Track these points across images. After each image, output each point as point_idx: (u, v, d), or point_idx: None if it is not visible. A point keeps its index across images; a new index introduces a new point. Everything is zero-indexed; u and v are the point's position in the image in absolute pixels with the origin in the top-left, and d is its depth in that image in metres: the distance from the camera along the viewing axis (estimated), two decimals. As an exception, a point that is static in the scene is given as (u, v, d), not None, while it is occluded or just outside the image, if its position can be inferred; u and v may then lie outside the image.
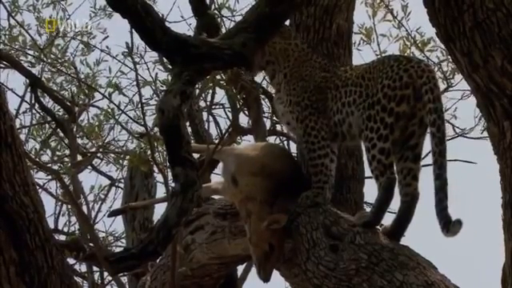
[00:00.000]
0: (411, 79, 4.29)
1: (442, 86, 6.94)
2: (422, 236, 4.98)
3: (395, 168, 4.32)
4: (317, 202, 4.46)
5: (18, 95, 7.44)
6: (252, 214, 4.47)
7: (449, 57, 5.74)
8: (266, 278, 4.42)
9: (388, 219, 4.42)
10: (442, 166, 4.11)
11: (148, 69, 6.94)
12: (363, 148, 4.44)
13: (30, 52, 7.42)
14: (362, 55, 6.79)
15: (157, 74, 6.66)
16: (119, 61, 7.23)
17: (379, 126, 4.30)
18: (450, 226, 4.08)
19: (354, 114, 4.43)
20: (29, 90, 7.33)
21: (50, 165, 7.12)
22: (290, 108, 4.57)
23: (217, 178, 5.18)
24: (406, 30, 6.86)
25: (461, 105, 7.00)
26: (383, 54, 6.87)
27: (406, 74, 4.30)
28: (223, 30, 5.49)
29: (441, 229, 4.10)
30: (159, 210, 6.89)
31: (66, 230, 7.43)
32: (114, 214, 5.77)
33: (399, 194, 4.35)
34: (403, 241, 4.46)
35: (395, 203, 4.56)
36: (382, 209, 4.33)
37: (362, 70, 4.51)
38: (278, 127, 7.04)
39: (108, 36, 7.41)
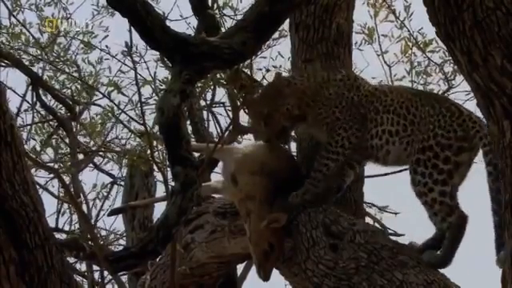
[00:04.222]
0: (465, 133, 4.32)
1: (443, 86, 6.96)
2: (421, 236, 4.98)
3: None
4: (305, 199, 4.46)
5: (18, 95, 7.45)
6: (252, 213, 4.47)
7: (450, 58, 5.74)
8: (265, 277, 4.42)
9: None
10: (500, 203, 4.08)
11: (148, 68, 6.95)
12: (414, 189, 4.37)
13: (32, 50, 7.43)
14: (364, 55, 6.80)
15: (155, 72, 6.67)
16: (119, 60, 7.24)
17: (431, 172, 4.29)
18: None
19: (396, 144, 4.44)
20: (30, 88, 7.33)
21: (51, 163, 7.13)
22: (320, 129, 4.57)
23: (217, 177, 5.19)
24: (408, 31, 6.86)
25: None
26: (385, 55, 6.88)
27: (460, 128, 4.34)
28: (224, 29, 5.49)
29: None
30: (159, 209, 6.90)
31: (67, 228, 7.44)
32: (113, 212, 5.78)
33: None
34: (403, 240, 4.47)
35: (395, 204, 4.55)
36: (454, 248, 4.27)
37: (405, 98, 4.49)
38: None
39: (108, 35, 7.43)
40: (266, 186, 4.52)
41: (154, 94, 6.67)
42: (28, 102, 7.46)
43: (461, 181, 4.35)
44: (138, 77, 6.22)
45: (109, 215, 5.90)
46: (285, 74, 5.18)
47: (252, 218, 4.47)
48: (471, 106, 6.64)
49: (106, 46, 7.35)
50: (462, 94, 6.85)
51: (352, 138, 4.49)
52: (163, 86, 6.10)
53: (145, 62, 6.93)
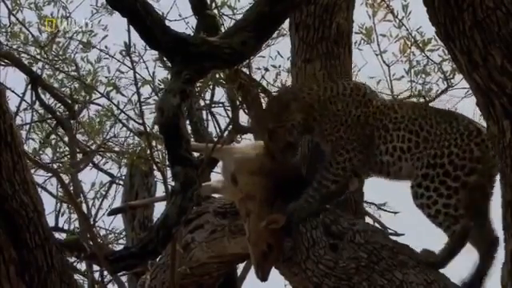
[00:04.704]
0: (482, 153, 4.27)
1: (442, 85, 6.96)
2: (421, 236, 4.99)
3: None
4: (298, 215, 4.44)
5: (17, 94, 7.45)
6: (251, 213, 4.47)
7: (449, 56, 5.74)
8: (263, 277, 4.42)
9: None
10: None
11: (147, 68, 6.95)
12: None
13: (31, 50, 7.43)
14: (363, 55, 6.80)
15: (154, 72, 6.67)
16: (118, 60, 7.24)
17: (438, 187, 4.25)
18: None
19: (408, 161, 4.39)
20: (29, 87, 7.33)
21: (50, 163, 7.13)
22: (324, 143, 4.53)
23: (217, 176, 5.19)
24: (407, 30, 6.86)
25: (461, 105, 7.01)
26: (383, 54, 6.88)
27: (478, 148, 4.29)
28: (223, 29, 5.48)
29: None
30: (159, 209, 6.90)
31: (66, 227, 7.45)
32: (113, 212, 5.78)
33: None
34: (402, 240, 4.47)
35: (395, 203, 4.55)
36: (453, 255, 4.26)
37: (418, 115, 4.43)
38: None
39: (107, 35, 7.43)
40: (266, 186, 4.52)
41: (153, 94, 6.68)
42: (27, 102, 7.47)
43: (467, 202, 4.26)
44: (137, 76, 6.23)
45: (108, 215, 5.91)
46: (291, 83, 5.16)
47: (251, 218, 4.46)
48: (470, 104, 6.68)
49: (106, 47, 7.36)
50: (461, 92, 6.88)
51: (354, 159, 4.44)
52: (162, 86, 6.11)
53: (144, 62, 6.94)
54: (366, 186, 4.86)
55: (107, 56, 7.35)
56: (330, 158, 4.48)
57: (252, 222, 4.45)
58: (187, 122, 6.49)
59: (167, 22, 3.69)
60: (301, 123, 4.52)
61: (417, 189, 4.29)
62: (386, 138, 4.44)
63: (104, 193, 7.66)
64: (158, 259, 4.83)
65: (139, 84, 6.00)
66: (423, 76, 6.98)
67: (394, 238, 4.56)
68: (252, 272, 4.62)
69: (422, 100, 6.96)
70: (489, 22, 3.13)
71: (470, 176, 4.25)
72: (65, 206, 7.42)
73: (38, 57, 7.41)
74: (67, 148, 7.42)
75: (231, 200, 4.68)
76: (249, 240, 4.46)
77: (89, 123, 7.34)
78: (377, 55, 6.89)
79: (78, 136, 7.42)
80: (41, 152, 7.33)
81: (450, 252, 4.25)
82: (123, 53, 7.00)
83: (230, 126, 6.72)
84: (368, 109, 4.51)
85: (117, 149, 7.45)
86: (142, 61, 6.91)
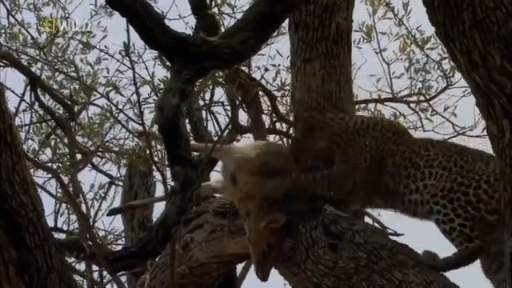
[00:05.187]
0: None
1: (442, 83, 6.97)
2: (420, 236, 4.99)
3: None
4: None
5: (16, 94, 7.45)
6: (251, 213, 4.46)
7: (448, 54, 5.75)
8: (263, 277, 4.42)
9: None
10: None
11: (146, 67, 6.95)
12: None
13: (30, 51, 7.43)
14: (362, 53, 6.80)
15: (153, 72, 6.68)
16: (118, 60, 7.24)
17: (455, 208, 4.19)
18: None
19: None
20: (28, 88, 7.33)
21: (50, 164, 7.13)
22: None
23: (216, 176, 5.18)
24: (407, 28, 6.87)
25: (461, 103, 7.02)
26: (383, 52, 6.89)
27: None
28: (223, 28, 5.49)
29: None
30: (158, 209, 6.90)
31: (65, 227, 7.44)
32: (113, 212, 5.78)
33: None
34: (402, 239, 4.47)
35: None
36: (457, 266, 4.22)
37: (453, 152, 4.36)
38: (278, 126, 7.05)
39: (106, 35, 7.43)
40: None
41: (152, 94, 6.68)
42: (26, 102, 7.47)
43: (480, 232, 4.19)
44: (137, 76, 6.23)
45: (108, 215, 5.91)
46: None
47: (251, 218, 4.46)
48: (469, 103, 6.69)
49: (105, 47, 7.36)
50: (460, 90, 6.89)
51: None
52: (162, 86, 6.11)
53: (143, 62, 6.94)
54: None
55: (107, 57, 7.36)
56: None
57: (252, 222, 4.45)
58: (187, 121, 6.49)
59: (167, 22, 3.69)
60: (323, 150, 4.47)
61: (433, 205, 4.24)
62: (415, 176, 4.35)
63: (103, 194, 7.66)
64: (157, 259, 4.82)
65: (138, 84, 6.00)
66: (423, 74, 7.00)
67: (393, 237, 4.56)
68: (252, 272, 4.62)
69: (421, 98, 6.98)
70: (488, 21, 3.13)
71: (491, 215, 4.17)
72: (64, 206, 7.42)
73: (38, 58, 7.41)
74: (66, 149, 7.42)
75: (231, 200, 4.68)
76: (249, 240, 4.46)
77: (89, 126, 7.33)
78: (377, 53, 6.91)
79: (78, 137, 7.42)
80: (40, 152, 7.32)
81: (455, 263, 4.21)
82: (122, 53, 7.00)
83: (230, 126, 6.71)
84: (397, 147, 4.44)
85: (116, 149, 7.45)
86: (141, 61, 6.91)
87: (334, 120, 4.53)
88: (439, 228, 4.24)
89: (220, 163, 4.79)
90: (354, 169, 4.38)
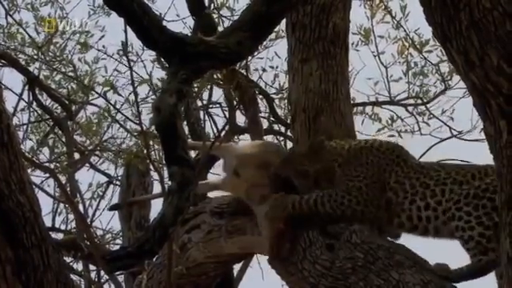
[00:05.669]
0: None
1: (440, 87, 6.98)
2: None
3: None
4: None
5: (15, 93, 7.45)
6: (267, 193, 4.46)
7: (446, 58, 5.76)
8: (278, 253, 4.36)
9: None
10: None
11: (145, 66, 6.95)
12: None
13: (28, 50, 7.43)
14: (360, 56, 6.81)
15: (151, 72, 6.68)
16: (116, 59, 7.24)
17: (479, 215, 4.15)
18: None
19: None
20: (26, 87, 7.33)
21: (48, 163, 7.13)
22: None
23: (214, 176, 5.19)
24: (405, 31, 6.87)
25: (459, 107, 7.03)
26: (381, 55, 6.90)
27: None
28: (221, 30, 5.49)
29: None
30: (156, 209, 6.90)
31: (63, 227, 7.44)
32: (114, 207, 5.80)
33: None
34: (399, 240, 4.46)
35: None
36: (469, 278, 4.20)
37: (467, 171, 4.32)
38: (275, 126, 7.06)
39: (104, 35, 7.43)
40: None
41: (150, 93, 6.69)
42: (24, 101, 7.46)
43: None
44: (135, 76, 6.23)
45: (109, 210, 5.92)
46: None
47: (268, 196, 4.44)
48: (466, 107, 6.69)
49: (103, 46, 7.36)
50: (458, 93, 6.89)
51: (356, 205, 4.37)
52: (160, 85, 6.11)
53: (142, 61, 6.93)
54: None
55: (105, 56, 7.36)
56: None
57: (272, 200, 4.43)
58: (184, 122, 6.49)
59: (164, 23, 3.69)
60: (322, 171, 4.47)
61: (455, 211, 4.21)
62: (424, 194, 4.32)
63: (101, 193, 7.66)
64: (154, 259, 4.83)
65: (136, 83, 5.99)
66: (421, 77, 7.00)
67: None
68: (249, 272, 4.62)
69: (419, 101, 6.98)
70: (485, 22, 3.13)
71: None
72: (62, 206, 7.41)
73: (36, 57, 7.41)
74: (64, 148, 7.42)
75: (234, 194, 4.68)
76: (265, 216, 4.42)
77: (87, 125, 7.33)
78: (375, 56, 6.92)
79: (76, 137, 7.42)
80: (38, 152, 7.32)
81: (468, 275, 4.18)
82: (120, 52, 7.00)
83: (227, 127, 6.72)
84: (400, 168, 4.42)
85: (114, 149, 7.45)
86: (139, 60, 6.91)
87: (338, 143, 4.54)
88: (457, 234, 4.19)
89: (219, 163, 4.80)
90: (353, 187, 4.37)
